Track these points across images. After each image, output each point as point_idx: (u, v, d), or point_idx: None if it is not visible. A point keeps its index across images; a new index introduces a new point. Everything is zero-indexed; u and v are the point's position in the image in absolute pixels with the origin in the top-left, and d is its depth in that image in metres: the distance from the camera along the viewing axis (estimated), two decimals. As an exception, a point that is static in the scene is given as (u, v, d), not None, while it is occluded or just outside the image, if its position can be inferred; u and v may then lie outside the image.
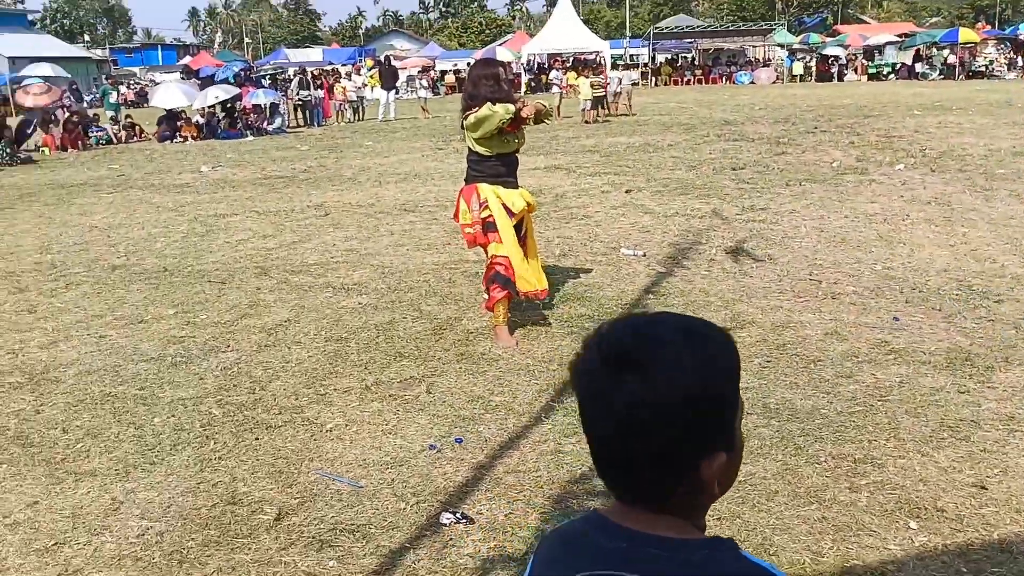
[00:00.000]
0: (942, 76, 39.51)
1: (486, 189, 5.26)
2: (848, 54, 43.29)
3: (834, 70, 41.77)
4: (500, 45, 50.53)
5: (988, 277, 6.34)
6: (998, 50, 41.76)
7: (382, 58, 33.70)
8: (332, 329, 5.71)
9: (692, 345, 0.97)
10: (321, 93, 26.05)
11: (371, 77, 30.85)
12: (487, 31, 78.72)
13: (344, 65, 37.75)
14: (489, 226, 5.26)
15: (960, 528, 3.11)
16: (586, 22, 52.73)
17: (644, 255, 7.44)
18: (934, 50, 42.10)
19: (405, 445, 3.99)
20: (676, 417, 0.94)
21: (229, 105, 22.62)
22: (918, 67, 40.96)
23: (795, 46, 45.86)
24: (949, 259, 6.92)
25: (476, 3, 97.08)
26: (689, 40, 48.17)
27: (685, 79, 43.50)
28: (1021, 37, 41.60)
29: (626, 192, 10.80)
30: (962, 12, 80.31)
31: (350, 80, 27.54)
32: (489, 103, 4.99)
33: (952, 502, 3.28)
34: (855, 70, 42.08)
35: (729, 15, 73.98)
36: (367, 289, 6.64)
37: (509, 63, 42.88)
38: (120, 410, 4.50)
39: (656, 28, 49.54)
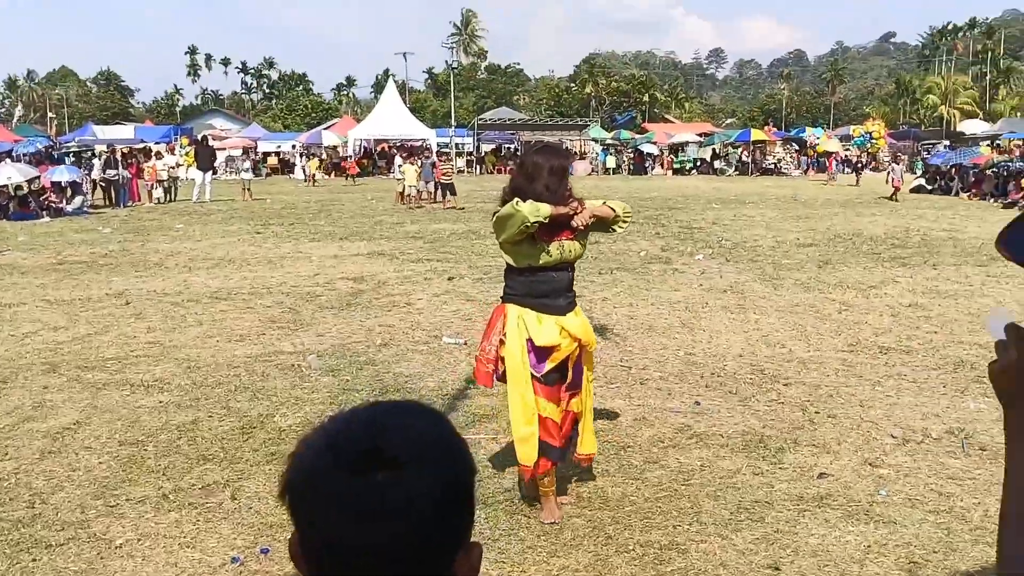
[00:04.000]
0: (737, 172, 43.08)
1: (513, 314, 4.03)
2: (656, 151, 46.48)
3: (648, 164, 44.67)
4: (326, 129, 50.54)
5: (778, 361, 6.83)
6: (785, 150, 46.10)
7: (199, 137, 32.80)
8: (127, 431, 5.31)
9: (442, 428, 0.89)
10: (129, 173, 24.82)
11: (186, 156, 29.90)
12: (313, 114, 78.49)
13: (158, 143, 36.36)
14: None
15: (756, 612, 3.24)
16: (412, 110, 53.75)
17: (465, 343, 7.48)
18: (730, 148, 45.89)
19: (204, 559, 3.72)
20: (445, 512, 0.85)
21: (25, 182, 21.08)
22: (716, 164, 44.45)
23: (608, 141, 48.69)
24: (744, 344, 7.40)
25: (301, 86, 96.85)
26: (511, 132, 50.14)
27: (508, 168, 44.95)
28: (806, 139, 46.23)
29: (448, 279, 10.90)
30: (753, 115, 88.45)
31: (161, 159, 26.51)
32: (517, 199, 3.83)
33: (749, 586, 3.41)
34: (661, 165, 45.10)
35: (547, 110, 77.76)
36: (169, 386, 6.25)
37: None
38: None
39: (480, 119, 51.24)
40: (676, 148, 47.09)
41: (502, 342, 4.02)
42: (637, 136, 51.16)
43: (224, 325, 8.28)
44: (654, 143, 47.50)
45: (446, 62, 66.64)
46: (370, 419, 0.90)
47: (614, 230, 4.20)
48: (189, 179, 27.06)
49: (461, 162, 42.62)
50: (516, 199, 3.83)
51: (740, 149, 45.25)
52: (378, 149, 44.20)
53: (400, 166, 24.79)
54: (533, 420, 3.96)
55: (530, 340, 3.95)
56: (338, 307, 9.16)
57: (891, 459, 4.76)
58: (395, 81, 54.45)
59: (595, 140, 48.16)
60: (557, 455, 4.01)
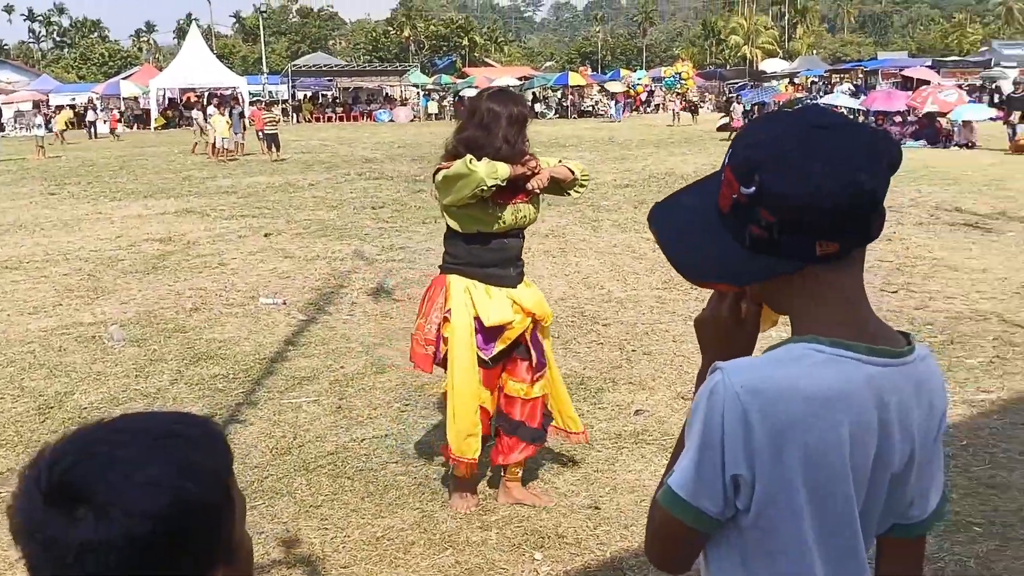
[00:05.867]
0: (558, 115, 43.81)
1: (458, 287, 3.49)
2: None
3: (470, 108, 44.54)
4: (125, 79, 47.04)
5: (597, 303, 7.03)
6: (600, 93, 47.29)
7: (-22, 92, 29.79)
8: (-98, 423, 4.79)
9: (160, 456, 0.81)
10: None
11: (-35, 114, 27.07)
12: (110, 63, 72.96)
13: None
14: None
15: (579, 552, 3.33)
16: (220, 57, 50.98)
17: (284, 303, 7.23)
18: (549, 91, 46.56)
19: (0, 554, 3.41)
20: (149, 552, 0.78)
21: None
22: (537, 107, 44.94)
23: (429, 86, 48.18)
24: (566, 288, 7.56)
25: (96, 33, 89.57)
26: (328, 78, 48.57)
27: (327, 116, 43.70)
28: (620, 82, 47.58)
29: (265, 236, 10.47)
30: (571, 57, 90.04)
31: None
32: (471, 157, 3.25)
33: (571, 527, 3.50)
34: (484, 109, 45.13)
35: (365, 55, 75.86)
36: (-49, 368, 5.68)
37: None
38: None
39: (294, 65, 49.24)
40: (497, 92, 47.20)
41: (446, 319, 3.46)
42: (458, 81, 50.93)
43: (15, 297, 7.59)
44: (475, 87, 47.41)
45: (254, 5, 63.11)
46: (84, 444, 0.81)
47: (569, 194, 3.64)
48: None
49: (276, 111, 40.99)
50: (469, 156, 3.24)
51: (559, 92, 45.98)
52: (184, 99, 41.71)
53: (210, 116, 23.42)
54: (477, 412, 3.50)
55: (478, 319, 3.42)
56: (143, 271, 8.60)
57: (701, 390, 5.00)
58: (199, 26, 51.31)
59: (416, 86, 47.54)
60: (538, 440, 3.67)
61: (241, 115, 23.45)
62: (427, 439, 4.42)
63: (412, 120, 42.98)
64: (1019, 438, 4.25)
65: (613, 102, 40.50)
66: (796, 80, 45.89)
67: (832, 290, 1.10)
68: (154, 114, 38.41)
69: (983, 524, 3.44)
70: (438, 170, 3.38)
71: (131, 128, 37.41)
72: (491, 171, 3.22)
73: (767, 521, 1.06)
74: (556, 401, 3.76)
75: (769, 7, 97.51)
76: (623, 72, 53.59)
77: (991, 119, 22.94)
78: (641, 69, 61.49)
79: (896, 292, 7.10)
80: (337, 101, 46.84)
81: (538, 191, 3.46)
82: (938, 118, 22.40)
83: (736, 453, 1.03)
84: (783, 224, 1.05)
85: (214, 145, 22.37)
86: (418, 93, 46.81)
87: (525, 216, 3.49)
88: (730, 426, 1.03)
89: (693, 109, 36.80)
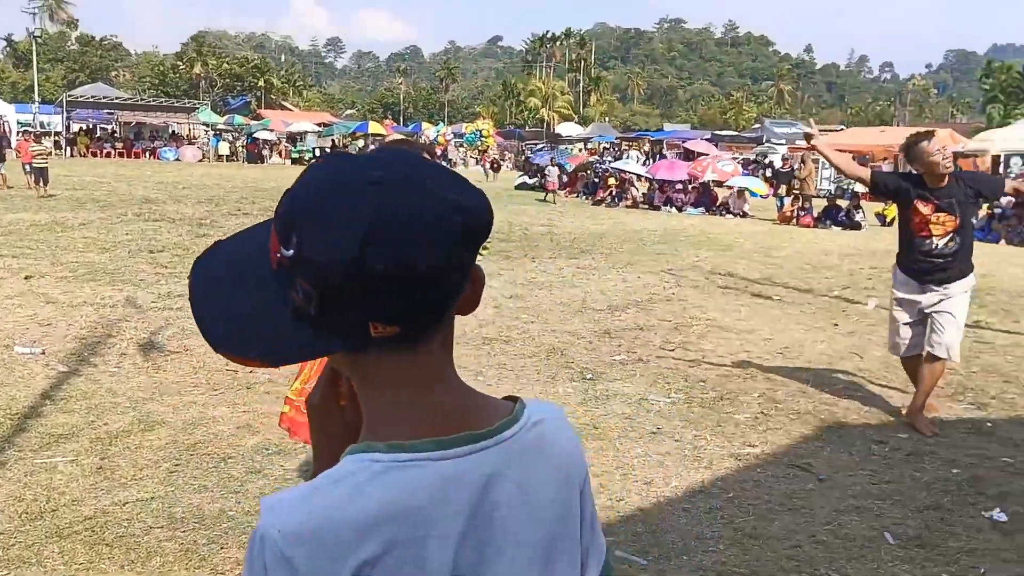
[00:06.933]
0: (357, 163, 43.67)
1: None
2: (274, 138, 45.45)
3: (266, 152, 43.39)
4: None
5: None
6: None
7: None
8: None
9: None
10: None
11: None
12: None
13: None
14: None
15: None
16: (-15, 80, 46.82)
17: (43, 353, 6.57)
18: (350, 139, 46.38)
19: None
20: None
21: None
22: (336, 154, 44.64)
23: (220, 126, 46.53)
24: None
25: None
26: (109, 111, 45.71)
27: (105, 151, 40.98)
28: (422, 137, 48.26)
29: (26, 278, 9.53)
30: (373, 107, 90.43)
31: None
32: None
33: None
34: (279, 153, 44.17)
35: (151, 88, 72.26)
36: None
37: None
38: None
39: (71, 95, 45.98)
40: (294, 137, 46.42)
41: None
42: (252, 122, 49.59)
43: None
44: (271, 130, 46.37)
45: (27, 29, 57.92)
46: None
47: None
48: None
49: (47, 143, 37.95)
50: None
51: (360, 141, 45.91)
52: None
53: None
54: None
55: None
56: None
57: (489, 445, 5.01)
58: (-37, 45, 46.81)
59: (206, 124, 45.79)
60: None
61: (1, 143, 21.36)
62: (197, 502, 4.10)
63: (200, 160, 41.24)
64: (780, 490, 4.56)
65: None
66: (590, 145, 48.51)
67: (398, 378, 0.90)
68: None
69: (746, 573, 3.63)
70: None
71: None
72: None
73: None
74: None
75: (566, 73, 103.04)
76: (424, 125, 54.39)
77: (763, 197, 25.35)
78: (442, 123, 62.70)
79: (674, 351, 7.52)
80: (117, 136, 44.10)
81: None
82: (714, 188, 24.31)
83: None
84: (323, 298, 0.84)
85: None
86: (207, 132, 45.07)
87: None
88: None
89: (496, 166, 38.07)
